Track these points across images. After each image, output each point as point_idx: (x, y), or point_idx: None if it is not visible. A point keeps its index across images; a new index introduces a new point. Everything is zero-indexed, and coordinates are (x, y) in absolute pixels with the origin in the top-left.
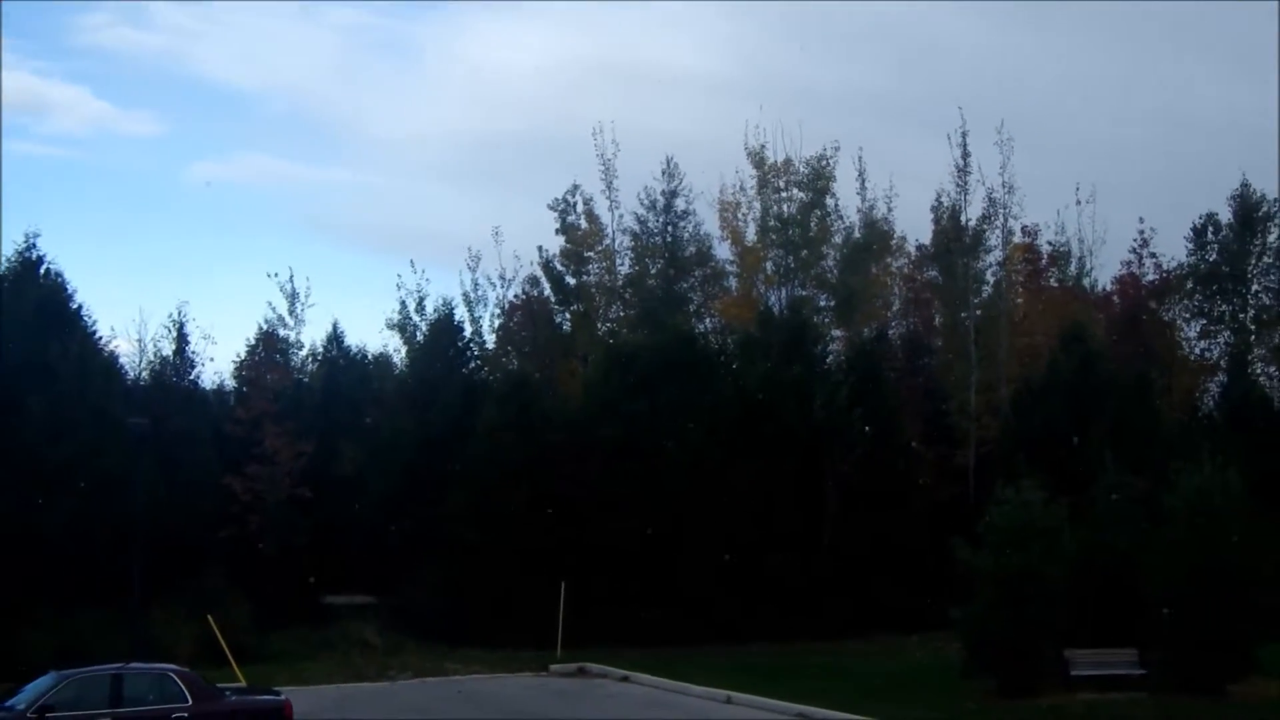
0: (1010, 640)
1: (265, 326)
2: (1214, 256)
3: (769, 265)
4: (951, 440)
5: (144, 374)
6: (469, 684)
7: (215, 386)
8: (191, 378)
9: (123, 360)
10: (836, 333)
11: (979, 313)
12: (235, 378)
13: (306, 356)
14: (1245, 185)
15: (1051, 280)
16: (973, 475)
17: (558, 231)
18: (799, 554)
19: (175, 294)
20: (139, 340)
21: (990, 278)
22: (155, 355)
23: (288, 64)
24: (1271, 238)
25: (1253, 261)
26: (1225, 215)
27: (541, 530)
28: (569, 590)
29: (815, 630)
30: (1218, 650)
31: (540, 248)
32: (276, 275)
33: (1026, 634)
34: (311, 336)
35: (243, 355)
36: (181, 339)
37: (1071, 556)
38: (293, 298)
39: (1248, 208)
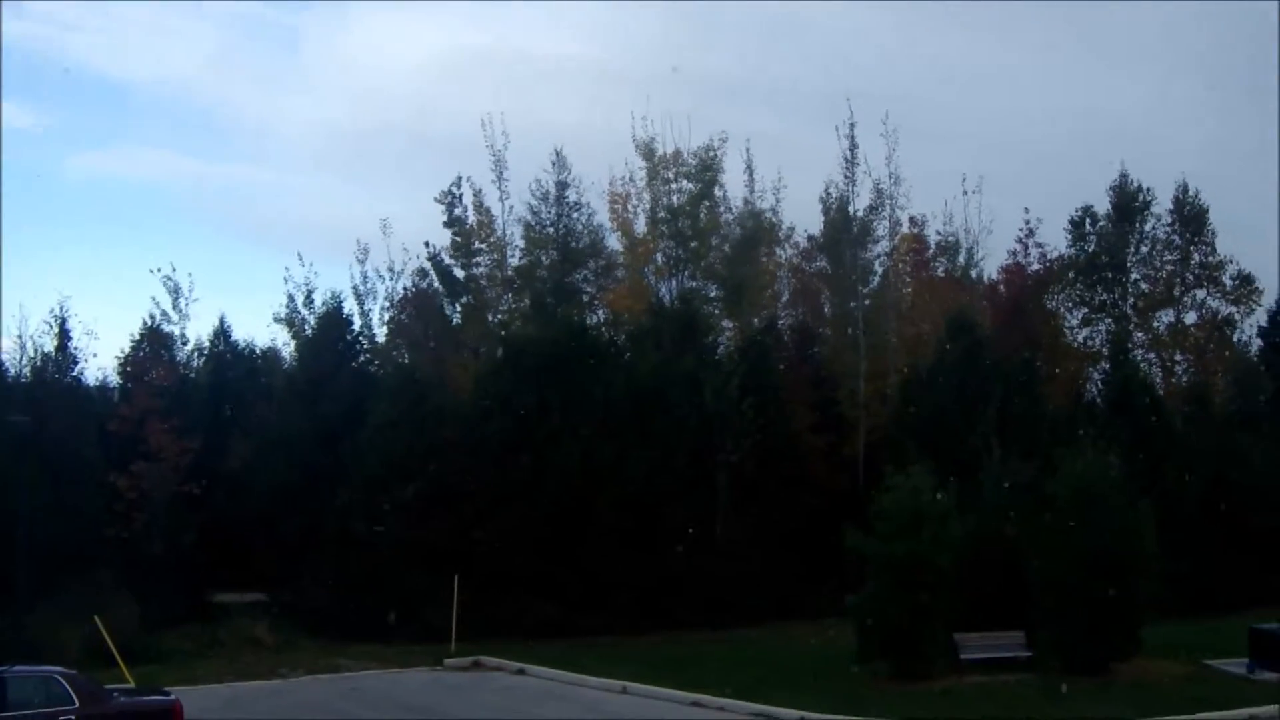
0: (902, 626)
1: (149, 322)
2: (1093, 247)
3: (659, 256)
4: (841, 429)
5: (25, 371)
6: (362, 680)
7: (99, 383)
8: (74, 375)
9: (3, 358)
10: (727, 323)
11: (867, 302)
12: (119, 374)
13: (192, 352)
14: (1124, 176)
15: (939, 270)
16: (862, 463)
17: (445, 224)
18: (692, 544)
19: (57, 290)
20: (19, 337)
21: (878, 268)
22: (36, 352)
23: (168, 55)
24: (1148, 226)
25: (1131, 250)
26: (1104, 206)
27: (434, 524)
28: (463, 583)
29: (710, 620)
30: (1102, 631)
31: (427, 242)
32: (160, 270)
33: (918, 619)
34: (197, 331)
35: (127, 351)
36: (63, 335)
37: (960, 542)
38: (176, 292)
39: (1126, 198)
